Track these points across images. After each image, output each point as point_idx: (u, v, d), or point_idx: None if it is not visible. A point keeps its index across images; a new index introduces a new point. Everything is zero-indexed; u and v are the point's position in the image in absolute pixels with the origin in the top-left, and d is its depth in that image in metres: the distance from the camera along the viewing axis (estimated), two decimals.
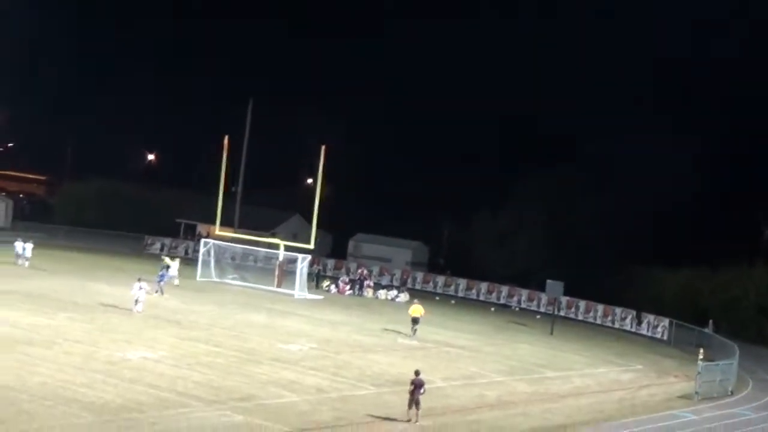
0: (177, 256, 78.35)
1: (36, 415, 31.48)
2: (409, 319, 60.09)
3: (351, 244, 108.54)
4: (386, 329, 61.32)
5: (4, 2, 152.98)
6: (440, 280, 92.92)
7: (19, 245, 72.35)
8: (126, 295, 57.10)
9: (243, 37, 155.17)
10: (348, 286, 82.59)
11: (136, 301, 54.46)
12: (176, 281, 69.75)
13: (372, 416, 36.76)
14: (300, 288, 74.49)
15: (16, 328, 46.05)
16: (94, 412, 32.61)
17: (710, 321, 76.12)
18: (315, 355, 49.15)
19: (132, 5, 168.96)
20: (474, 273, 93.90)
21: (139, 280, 55.06)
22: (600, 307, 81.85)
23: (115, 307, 56.01)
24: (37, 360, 39.45)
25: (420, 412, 36.41)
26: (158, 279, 64.74)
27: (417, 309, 60.25)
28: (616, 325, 79.61)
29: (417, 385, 36.63)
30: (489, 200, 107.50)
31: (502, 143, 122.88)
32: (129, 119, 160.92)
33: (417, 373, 37.31)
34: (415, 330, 59.52)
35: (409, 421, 36.18)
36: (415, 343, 57.09)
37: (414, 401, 36.44)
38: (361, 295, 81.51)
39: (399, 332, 60.11)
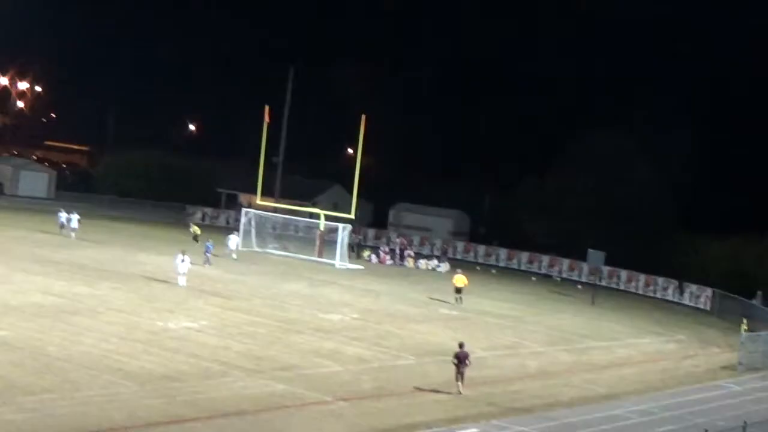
0: (199, 225, 78.12)
1: (81, 384, 31.73)
2: (452, 289, 60.16)
3: (392, 213, 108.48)
4: (427, 299, 61.29)
5: None
6: (481, 249, 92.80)
7: (63, 216, 72.63)
8: (168, 265, 57.37)
9: (286, 2, 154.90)
10: (389, 256, 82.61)
11: (180, 274, 53.77)
12: (234, 255, 69.66)
13: (414, 386, 36.78)
14: (341, 258, 74.58)
15: (61, 298, 46.42)
16: (136, 381, 32.83)
17: (758, 292, 74.40)
18: (356, 325, 49.23)
19: None
20: (516, 242, 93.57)
21: (183, 252, 54.45)
22: (642, 277, 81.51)
23: (157, 277, 56.29)
24: (81, 329, 39.74)
25: (464, 383, 36.22)
26: (205, 250, 64.54)
27: (460, 279, 60.53)
28: (658, 295, 79.27)
29: (461, 358, 36.36)
30: (531, 168, 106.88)
31: (549, 109, 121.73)
32: (170, 89, 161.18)
33: (461, 345, 36.93)
34: (460, 299, 59.63)
35: (455, 393, 35.97)
36: (455, 313, 57.06)
37: (459, 374, 36.20)
38: (401, 264, 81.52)
39: (441, 302, 60.05)
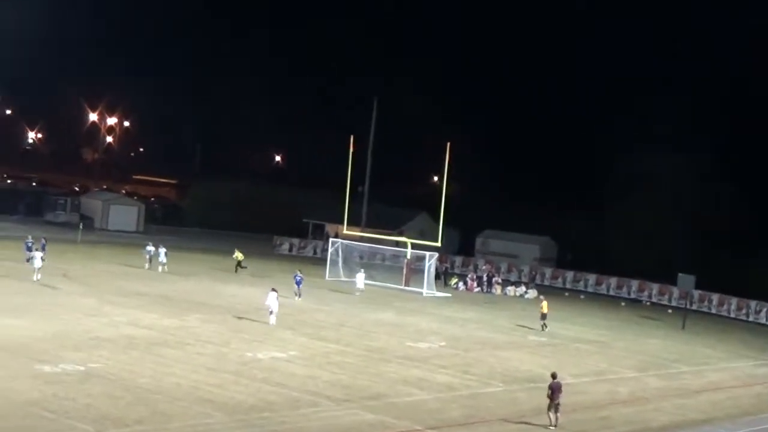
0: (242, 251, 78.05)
1: (172, 416, 31.99)
2: (539, 315, 59.86)
3: (478, 240, 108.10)
4: (515, 326, 60.92)
5: (128, 6, 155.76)
6: (569, 275, 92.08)
7: (150, 249, 73.31)
8: (255, 296, 57.73)
9: (369, 36, 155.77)
10: (476, 283, 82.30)
11: (271, 312, 51.63)
12: (357, 293, 68.99)
13: (503, 414, 36.52)
14: (428, 286, 74.46)
15: (151, 330, 46.90)
16: (226, 411, 33.01)
17: None
18: (444, 352, 49.06)
19: (256, 7, 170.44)
20: (604, 268, 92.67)
21: (273, 290, 52.36)
22: (734, 300, 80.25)
23: (246, 308, 56.65)
24: (171, 361, 40.11)
25: (560, 415, 35.30)
26: (295, 282, 63.78)
27: (544, 305, 60.23)
28: (751, 318, 77.96)
29: (555, 389, 35.31)
30: (618, 193, 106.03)
31: (634, 132, 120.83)
32: (255, 121, 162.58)
33: (554, 376, 35.85)
34: (544, 325, 59.48)
35: (549, 426, 35.12)
36: (543, 339, 56.65)
37: (554, 405, 35.20)
38: (489, 292, 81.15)
39: (529, 328, 59.67)
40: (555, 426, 35.07)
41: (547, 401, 35.42)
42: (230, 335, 47.52)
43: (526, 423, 35.74)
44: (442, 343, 51.71)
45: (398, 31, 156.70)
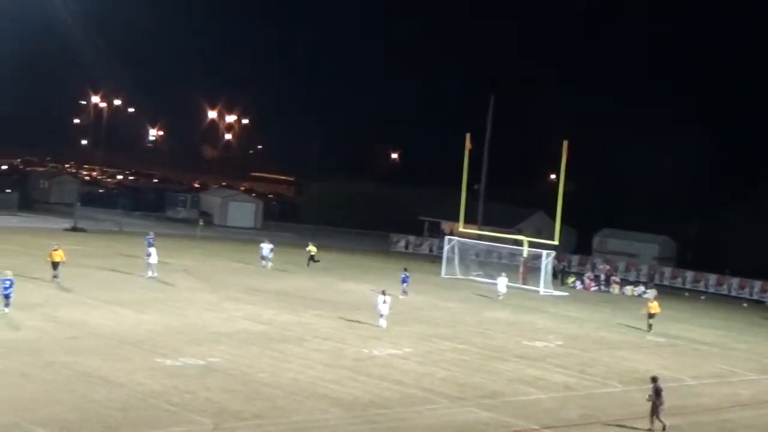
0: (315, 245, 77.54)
1: (289, 410, 32.33)
2: (653, 315, 58.65)
3: (596, 239, 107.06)
4: (633, 326, 60.18)
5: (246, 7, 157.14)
6: (689, 275, 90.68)
7: (265, 246, 72.58)
8: (372, 294, 58.02)
9: (483, 32, 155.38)
10: (593, 282, 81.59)
11: (381, 316, 49.96)
12: (500, 297, 66.83)
13: (621, 414, 36.15)
14: (545, 284, 74.03)
15: (269, 326, 47.45)
16: (343, 407, 33.25)
17: None
18: (561, 352, 48.75)
19: (370, 5, 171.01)
20: (726, 268, 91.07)
21: (383, 293, 50.46)
22: None
23: (362, 305, 56.96)
24: (288, 357, 40.52)
25: (664, 420, 34.15)
26: (402, 281, 63.10)
27: (654, 306, 59.18)
28: None
29: (657, 392, 34.24)
30: (740, 192, 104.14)
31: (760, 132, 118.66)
32: (372, 118, 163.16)
33: (654, 379, 34.80)
34: (650, 326, 58.20)
35: (653, 430, 34.10)
36: (662, 340, 55.88)
37: (657, 409, 34.15)
38: (607, 291, 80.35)
39: (648, 328, 58.77)
40: (664, 431, 34.08)
41: (651, 405, 34.25)
42: (347, 331, 47.82)
43: (642, 427, 35.35)
44: (559, 342, 51.38)
45: (517, 27, 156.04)
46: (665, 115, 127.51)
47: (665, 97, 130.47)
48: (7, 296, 44.02)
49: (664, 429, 34.10)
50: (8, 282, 44.29)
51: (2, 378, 32.69)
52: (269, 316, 50.17)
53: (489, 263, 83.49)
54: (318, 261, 75.27)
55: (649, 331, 57.69)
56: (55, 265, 54.55)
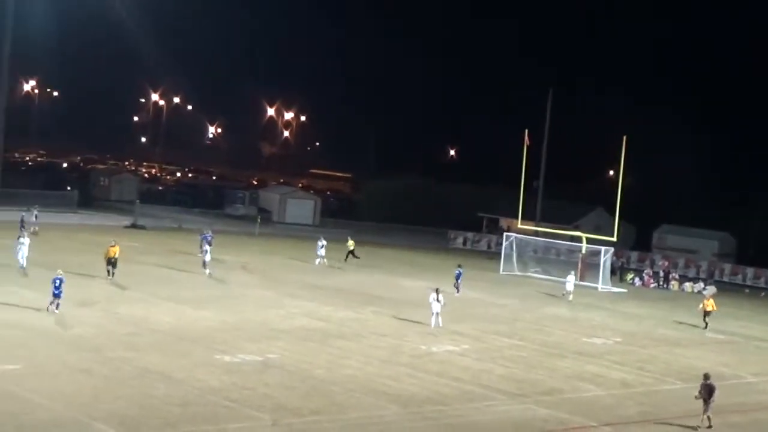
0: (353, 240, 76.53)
1: (346, 407, 32.41)
2: (708, 312, 57.60)
3: (655, 235, 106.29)
4: (692, 323, 59.63)
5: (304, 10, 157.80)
6: (749, 272, 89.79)
7: (322, 243, 72.07)
8: (427, 289, 57.97)
9: (544, 28, 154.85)
10: (652, 279, 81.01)
11: (433, 314, 48.91)
12: (570, 297, 64.87)
13: (679, 413, 35.85)
14: (603, 281, 73.60)
15: (327, 322, 47.60)
16: (400, 404, 33.28)
17: None
18: (619, 348, 48.47)
19: (425, 7, 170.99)
20: None
21: (437, 290, 49.75)
22: None
23: (419, 301, 56.95)
24: (346, 353, 40.63)
25: (711, 416, 33.55)
26: (456, 277, 62.22)
27: (710, 303, 58.17)
28: None
29: (708, 390, 33.67)
30: None
31: None
32: (430, 115, 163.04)
33: (707, 377, 34.27)
34: (706, 323, 57.21)
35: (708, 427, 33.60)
36: (722, 337, 55.36)
37: (708, 407, 33.54)
38: (666, 287, 79.73)
39: (707, 325, 58.11)
40: (710, 427, 33.54)
41: (701, 403, 33.71)
42: (404, 328, 47.84)
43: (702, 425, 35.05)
44: (618, 339, 51.09)
45: (577, 22, 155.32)
46: (724, 111, 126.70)
47: (722, 95, 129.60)
48: (56, 295, 42.92)
49: (709, 426, 33.52)
50: (58, 281, 42.98)
51: (64, 373, 33.07)
52: (327, 313, 50.33)
53: (547, 260, 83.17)
54: (358, 257, 74.34)
55: (705, 328, 56.89)
56: (111, 261, 54.80)
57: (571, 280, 66.19)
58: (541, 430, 32.09)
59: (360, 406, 32.69)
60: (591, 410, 34.89)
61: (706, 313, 57.45)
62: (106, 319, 43.26)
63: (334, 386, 34.77)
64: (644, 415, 35.08)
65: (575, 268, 75.81)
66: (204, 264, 60.76)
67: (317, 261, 71.39)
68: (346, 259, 73.91)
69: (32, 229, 74.02)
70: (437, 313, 48.89)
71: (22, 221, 69.62)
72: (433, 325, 48.46)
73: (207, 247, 62.25)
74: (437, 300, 48.91)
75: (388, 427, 30.64)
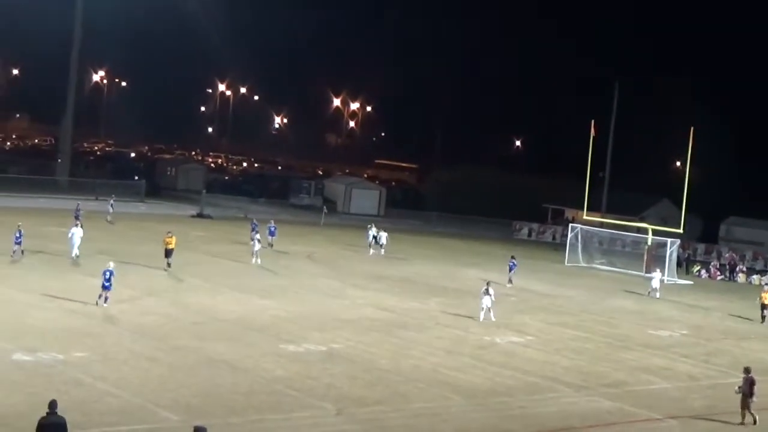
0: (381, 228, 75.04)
1: (410, 397, 32.45)
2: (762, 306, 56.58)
3: (722, 227, 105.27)
4: (760, 316, 58.88)
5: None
6: None
7: (372, 232, 72.04)
8: (491, 280, 57.90)
9: (613, 17, 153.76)
10: (719, 271, 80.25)
11: (484, 308, 47.69)
12: (657, 294, 62.79)
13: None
14: (669, 273, 73.00)
15: (391, 313, 47.65)
16: (464, 395, 33.26)
17: None
18: (685, 341, 48.10)
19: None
20: None
21: (488, 284, 48.66)
22: None
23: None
24: (410, 343, 40.66)
25: (755, 413, 32.72)
26: (509, 269, 61.36)
27: (766, 295, 56.76)
28: None
29: (749, 384, 32.66)
30: None
31: None
32: (496, 105, 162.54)
33: (747, 370, 33.23)
34: (765, 316, 56.11)
35: (745, 424, 32.66)
36: None
37: (749, 402, 32.58)
38: (733, 280, 78.93)
39: (760, 320, 56.90)
40: (755, 424, 32.63)
41: (741, 398, 32.76)
42: (468, 319, 47.76)
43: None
44: (684, 332, 50.70)
45: (636, 14, 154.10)
46: None
47: None
48: (106, 288, 41.75)
49: (755, 422, 32.73)
50: (108, 273, 41.79)
51: (131, 361, 33.42)
52: (392, 303, 50.39)
53: (612, 252, 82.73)
54: (382, 245, 72.40)
55: (763, 322, 55.90)
56: (168, 252, 54.45)
57: (656, 277, 63.92)
58: (606, 422, 31.92)
59: (424, 396, 32.71)
60: (656, 403, 34.65)
61: (764, 306, 56.37)
62: (173, 308, 43.64)
63: (398, 376, 34.82)
64: (710, 409, 34.77)
65: (653, 262, 74.74)
66: (253, 253, 60.53)
67: (371, 252, 71.10)
68: (370, 246, 72.68)
69: (108, 218, 75.14)
70: (488, 308, 47.60)
71: (77, 210, 69.41)
72: (482, 319, 47.30)
73: (256, 236, 61.79)
74: (488, 293, 47.64)
75: (452, 418, 30.63)
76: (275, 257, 63.26)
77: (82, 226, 57.40)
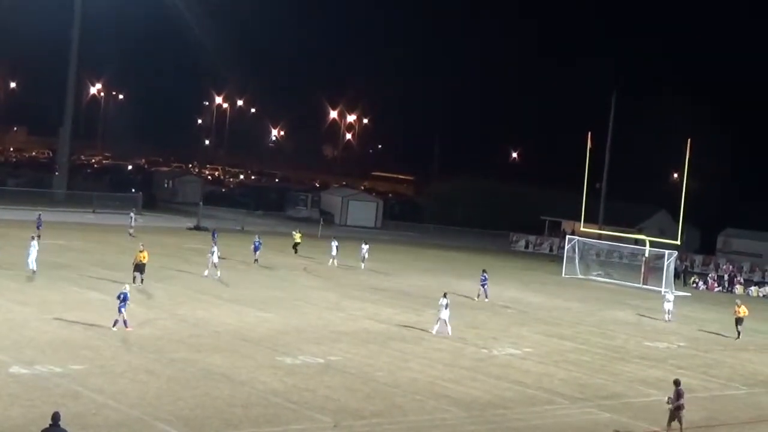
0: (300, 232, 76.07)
1: (408, 410, 32.41)
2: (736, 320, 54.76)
3: (720, 239, 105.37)
4: (759, 327, 58.97)
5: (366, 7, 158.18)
6: None
7: (364, 248, 71.09)
8: (492, 293, 57.93)
9: (606, 31, 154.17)
10: (717, 283, 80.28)
11: (439, 320, 46.19)
12: (668, 317, 58.85)
13: (745, 418, 35.53)
14: (667, 284, 73.02)
15: (388, 325, 47.61)
16: (462, 407, 33.22)
17: None
18: (683, 353, 48.10)
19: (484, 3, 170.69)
20: None
21: (444, 295, 47.10)
22: None
23: (481, 304, 56.94)
24: (408, 356, 40.62)
25: (684, 427, 31.92)
26: (481, 283, 59.46)
27: (743, 309, 54.47)
28: None
29: (677, 397, 31.49)
30: None
31: None
32: (492, 117, 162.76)
33: (677, 383, 32.01)
34: (739, 332, 53.95)
35: None
36: None
37: (677, 416, 31.50)
38: (731, 291, 78.94)
39: (738, 335, 56.12)
40: None
41: (669, 411, 31.71)
42: (465, 331, 47.75)
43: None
44: (682, 344, 50.70)
45: (638, 25, 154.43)
46: None
47: None
48: (121, 311, 40.11)
49: None
50: (122, 296, 40.26)
51: (128, 374, 33.37)
52: (388, 315, 50.37)
53: (610, 263, 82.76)
54: (296, 251, 73.42)
55: (738, 338, 53.57)
56: (139, 266, 52.13)
57: (670, 299, 59.85)
58: None
59: (422, 409, 32.67)
60: (654, 415, 34.59)
61: (738, 321, 54.30)
62: (170, 321, 43.58)
63: (396, 389, 34.79)
64: (709, 421, 34.77)
65: (651, 274, 74.43)
66: (209, 264, 58.30)
67: (363, 266, 70.08)
68: (295, 252, 73.60)
69: (129, 231, 75.21)
70: (445, 320, 46.09)
71: (39, 220, 68.25)
72: (434, 332, 46.00)
73: (214, 248, 59.43)
74: (446, 306, 46.19)
75: (450, 431, 30.60)
76: (273, 269, 63.19)
77: (39, 238, 56.51)
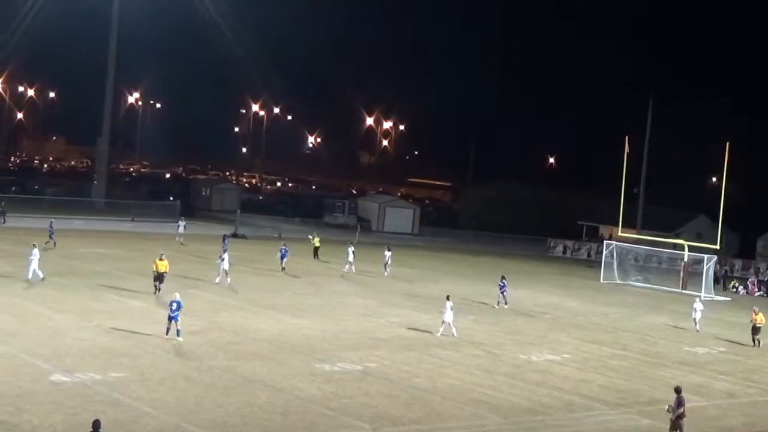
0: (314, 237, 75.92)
1: (447, 416, 32.34)
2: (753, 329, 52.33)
3: (760, 243, 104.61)
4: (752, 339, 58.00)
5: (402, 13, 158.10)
6: None
7: (387, 254, 70.01)
8: (529, 298, 57.70)
9: (646, 33, 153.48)
10: (757, 287, 79.66)
11: (443, 323, 46.26)
12: (697, 327, 55.88)
13: None
14: (706, 289, 72.53)
15: (427, 332, 47.45)
16: (501, 414, 33.12)
17: None
18: (723, 358, 47.74)
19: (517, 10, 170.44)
20: None
21: (447, 297, 47.71)
22: None
23: (519, 310, 56.76)
24: (446, 362, 40.53)
25: None
26: (500, 289, 58.14)
27: (760, 317, 51.92)
28: None
29: (678, 405, 30.65)
30: None
31: None
32: (530, 123, 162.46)
33: (678, 390, 31.13)
34: (758, 341, 51.75)
35: None
36: None
37: (678, 426, 30.63)
38: None
39: (755, 343, 54.94)
40: None
41: (670, 419, 30.76)
42: (504, 337, 47.66)
43: None
44: (722, 349, 50.32)
45: (676, 30, 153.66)
46: None
47: None
48: (172, 319, 40.05)
49: None
50: (175, 304, 40.05)
51: (167, 381, 33.49)
52: (426, 321, 50.24)
53: (648, 268, 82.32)
54: (316, 256, 73.96)
55: (755, 345, 51.46)
56: (159, 276, 51.50)
57: (699, 308, 55.93)
58: None
59: (460, 415, 32.60)
60: (694, 421, 34.31)
61: (756, 329, 51.87)
62: (208, 328, 43.71)
63: (434, 395, 34.72)
64: (749, 427, 34.50)
65: (677, 276, 74.45)
66: (220, 271, 57.59)
67: (385, 272, 69.07)
68: (315, 257, 73.89)
69: (179, 240, 75.70)
70: (449, 323, 46.17)
71: (51, 228, 67.56)
72: (439, 334, 46.11)
73: (225, 255, 58.62)
74: (451, 308, 46.30)
75: None
76: (308, 276, 63.26)
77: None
